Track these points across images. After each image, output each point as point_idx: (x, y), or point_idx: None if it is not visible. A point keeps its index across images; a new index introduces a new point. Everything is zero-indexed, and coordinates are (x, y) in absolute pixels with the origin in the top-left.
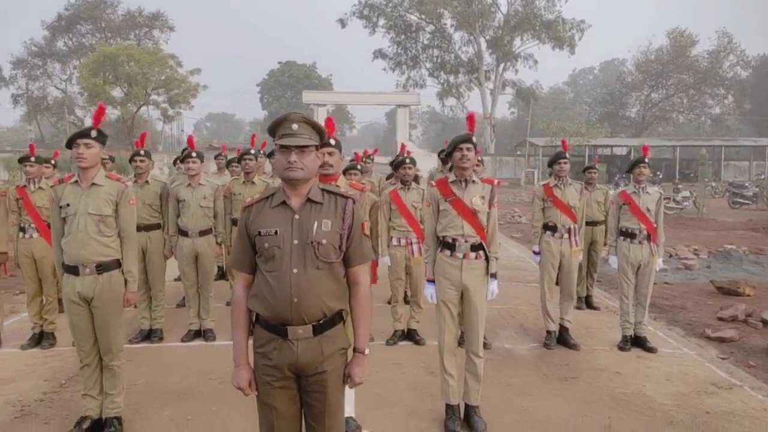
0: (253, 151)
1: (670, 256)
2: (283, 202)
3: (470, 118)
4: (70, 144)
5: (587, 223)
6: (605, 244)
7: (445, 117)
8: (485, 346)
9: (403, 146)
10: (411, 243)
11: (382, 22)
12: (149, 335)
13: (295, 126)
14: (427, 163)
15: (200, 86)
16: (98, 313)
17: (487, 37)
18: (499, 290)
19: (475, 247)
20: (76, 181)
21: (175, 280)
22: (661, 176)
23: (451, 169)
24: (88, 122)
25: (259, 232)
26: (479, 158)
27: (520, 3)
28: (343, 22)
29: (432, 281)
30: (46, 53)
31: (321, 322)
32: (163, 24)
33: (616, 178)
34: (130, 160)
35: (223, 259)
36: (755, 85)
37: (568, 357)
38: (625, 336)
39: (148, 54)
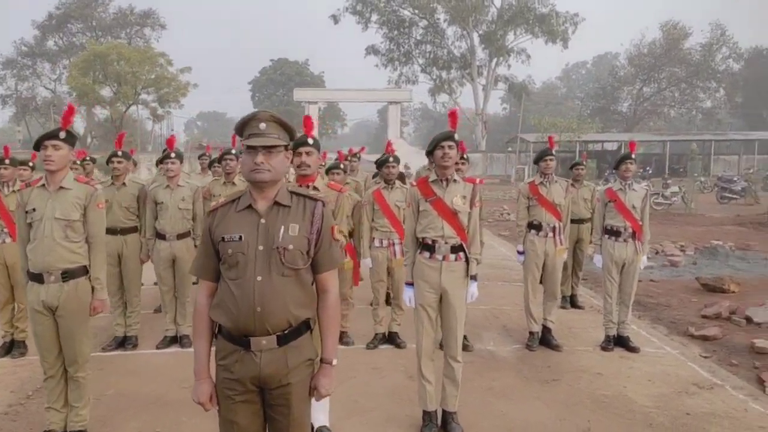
0: (234, 151)
1: (657, 252)
2: (249, 206)
3: (452, 115)
4: (38, 146)
5: (574, 221)
6: (591, 242)
7: (437, 114)
8: (467, 348)
9: (389, 144)
10: (393, 244)
11: (375, 17)
12: (123, 342)
13: (262, 125)
14: (417, 160)
15: (190, 85)
16: (63, 323)
17: (480, 32)
18: (484, 290)
19: (455, 249)
20: (44, 185)
21: (155, 284)
22: (650, 171)
23: None
24: (77, 122)
25: (223, 238)
26: (464, 156)
27: None
28: (335, 18)
29: (411, 284)
30: (36, 53)
31: (286, 332)
32: (154, 22)
33: (606, 174)
34: (107, 162)
35: None
36: (747, 78)
37: (550, 358)
38: (608, 336)
39: (138, 52)
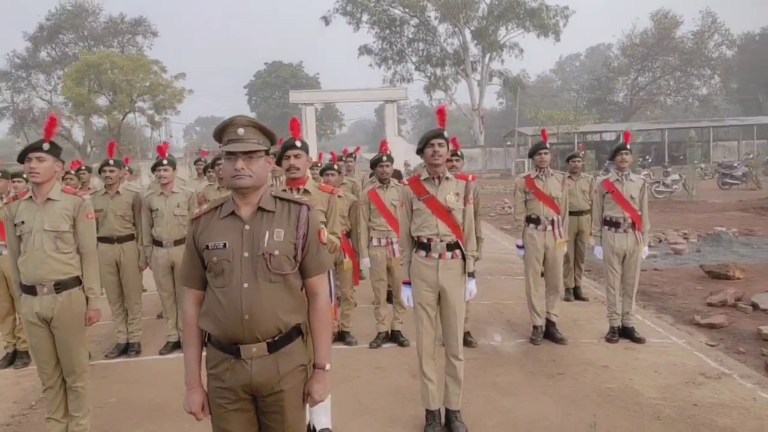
0: None
1: (660, 241)
2: (233, 213)
3: (440, 112)
4: (22, 158)
5: (573, 213)
6: (591, 234)
7: (433, 110)
8: (471, 344)
9: (383, 143)
10: (392, 243)
11: (365, 17)
12: (126, 349)
13: (241, 130)
14: (417, 157)
15: (186, 91)
16: (59, 334)
17: (472, 28)
18: (487, 285)
19: (451, 247)
20: (31, 197)
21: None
22: (650, 160)
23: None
24: (76, 132)
25: (207, 246)
26: (459, 152)
27: None
28: (326, 20)
29: (408, 283)
30: (30, 65)
31: (276, 338)
32: (146, 30)
33: (605, 164)
34: (100, 171)
35: None
36: (741, 64)
37: (554, 352)
38: (612, 327)
39: (131, 60)
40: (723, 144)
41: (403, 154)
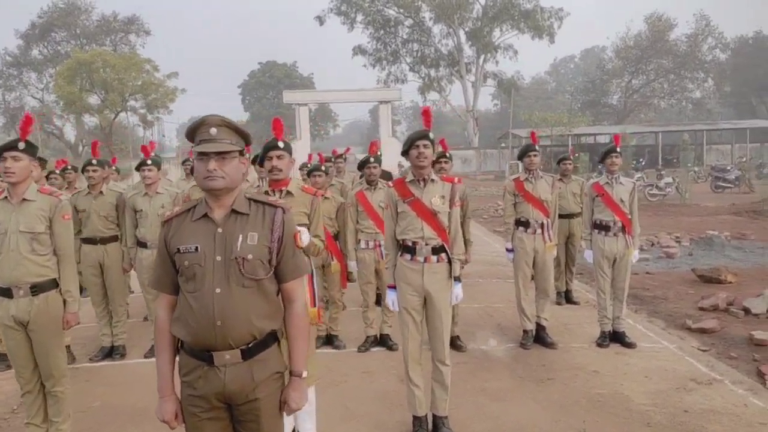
0: None
1: (652, 244)
2: (205, 215)
3: (426, 113)
4: None
5: (564, 216)
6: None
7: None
8: (460, 349)
9: (372, 144)
10: (380, 245)
11: (360, 17)
12: (111, 353)
13: (213, 130)
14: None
15: (178, 90)
16: (36, 338)
17: (466, 29)
18: (478, 288)
19: (437, 250)
20: (6, 197)
21: None
22: (644, 163)
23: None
24: (68, 131)
25: (179, 249)
26: (447, 154)
27: None
28: (321, 19)
29: (393, 287)
30: (22, 63)
31: (250, 345)
32: (138, 28)
33: (599, 167)
34: (82, 170)
35: None
36: (734, 67)
37: (545, 357)
38: (603, 332)
39: (123, 59)
40: (716, 147)
41: (397, 156)
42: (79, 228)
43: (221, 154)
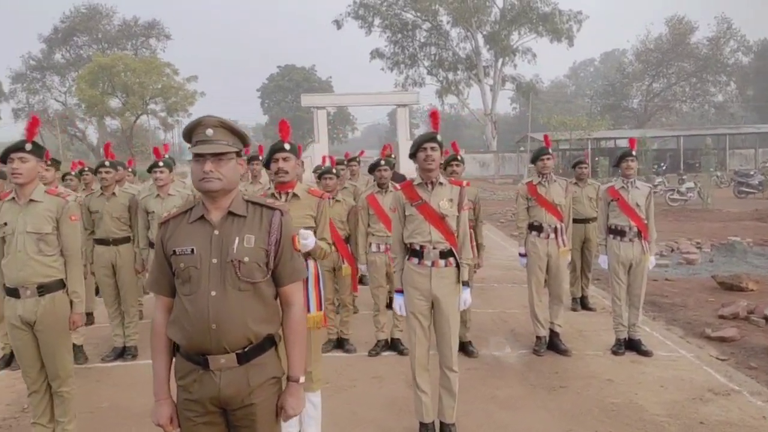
0: None
1: (672, 250)
2: (202, 217)
3: (433, 115)
4: (4, 159)
5: (580, 221)
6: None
7: (446, 115)
8: (472, 354)
9: (385, 147)
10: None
11: (377, 21)
12: (123, 353)
13: (209, 131)
14: None
15: (197, 93)
16: (42, 338)
17: (484, 33)
18: (493, 293)
19: (445, 254)
20: (14, 198)
21: None
22: (665, 167)
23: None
24: (90, 134)
25: (175, 251)
26: (459, 157)
27: None
28: (338, 23)
29: (401, 291)
30: (45, 66)
31: (246, 349)
32: (159, 32)
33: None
34: (95, 172)
35: None
36: (757, 71)
37: (558, 364)
38: (618, 339)
39: (144, 63)
40: (739, 152)
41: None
42: (92, 229)
43: (218, 156)
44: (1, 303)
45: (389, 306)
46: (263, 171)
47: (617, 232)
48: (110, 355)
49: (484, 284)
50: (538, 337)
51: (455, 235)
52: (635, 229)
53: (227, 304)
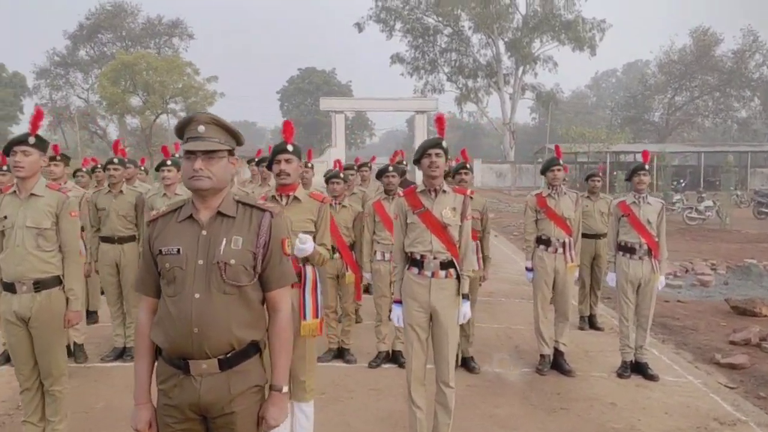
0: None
1: (686, 270)
2: (191, 216)
3: (439, 120)
4: (7, 151)
5: (590, 236)
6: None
7: (464, 123)
8: (473, 370)
9: (395, 153)
10: None
11: (399, 25)
12: (122, 354)
13: (201, 128)
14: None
15: (217, 94)
16: (37, 334)
17: (506, 39)
18: (500, 307)
19: (445, 265)
20: (15, 192)
21: None
22: (684, 184)
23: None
24: (111, 131)
25: (161, 251)
26: (468, 165)
27: (538, 3)
28: (359, 26)
29: (399, 302)
30: (69, 63)
31: (229, 355)
32: (182, 32)
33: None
34: (104, 169)
35: None
36: None
37: (560, 384)
38: (624, 362)
39: (166, 62)
40: (761, 170)
41: None
42: (99, 226)
43: (208, 153)
44: None
45: None
46: (270, 174)
47: (627, 249)
48: (110, 355)
49: (491, 299)
50: (542, 356)
51: (457, 245)
52: (645, 247)
53: (211, 308)
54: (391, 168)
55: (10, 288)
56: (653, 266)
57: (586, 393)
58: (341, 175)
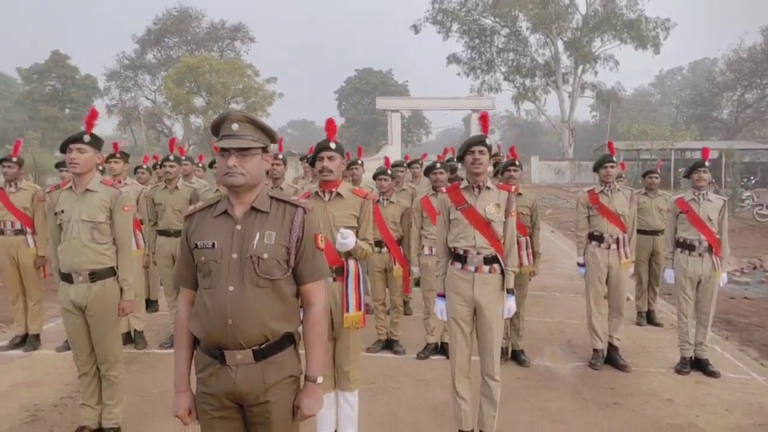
0: (281, 156)
1: (755, 267)
2: (225, 211)
3: (483, 118)
4: (64, 149)
5: (648, 232)
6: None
7: (522, 121)
8: (524, 363)
9: (446, 150)
10: None
11: (455, 27)
12: None
13: (235, 126)
14: None
15: (276, 94)
16: (93, 322)
17: (565, 39)
18: (554, 302)
19: (489, 260)
20: (71, 187)
21: None
22: (755, 181)
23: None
24: (177, 130)
25: (197, 245)
26: (517, 162)
27: (599, 2)
28: (416, 28)
29: (443, 296)
30: (137, 65)
31: (263, 346)
32: (244, 35)
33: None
34: (160, 166)
35: None
36: None
37: (614, 379)
38: (683, 358)
39: (228, 64)
40: None
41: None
42: (156, 220)
43: (242, 151)
44: (40, 286)
45: None
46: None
47: (685, 246)
48: (168, 342)
49: (545, 293)
50: (595, 350)
51: (501, 241)
52: (705, 244)
53: (244, 300)
54: (438, 165)
55: (67, 278)
56: (714, 263)
57: (641, 388)
58: (389, 172)
